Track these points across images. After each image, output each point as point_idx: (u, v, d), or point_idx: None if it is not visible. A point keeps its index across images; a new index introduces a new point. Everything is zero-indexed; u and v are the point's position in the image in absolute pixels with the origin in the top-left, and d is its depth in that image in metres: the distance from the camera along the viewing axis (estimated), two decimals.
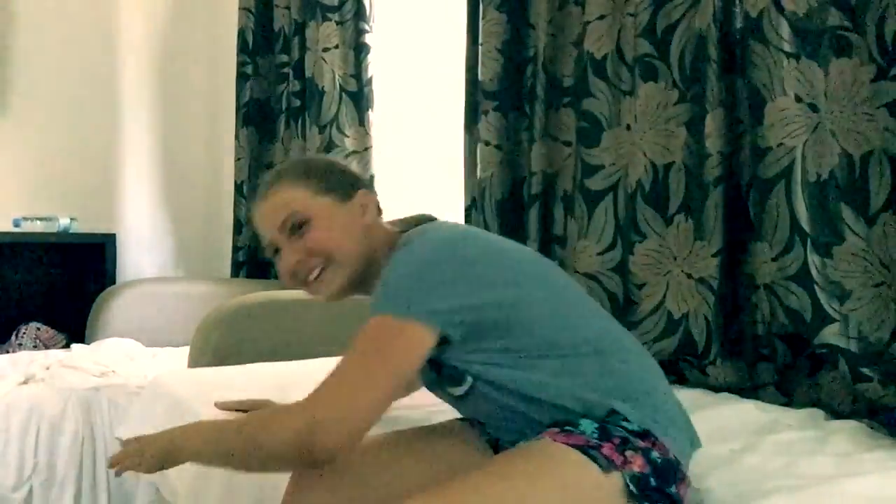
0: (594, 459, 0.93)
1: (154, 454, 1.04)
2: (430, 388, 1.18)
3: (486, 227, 2.21)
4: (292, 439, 0.93)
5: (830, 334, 1.43)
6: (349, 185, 1.16)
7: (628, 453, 0.96)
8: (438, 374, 1.10)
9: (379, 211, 1.19)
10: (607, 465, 0.93)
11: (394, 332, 0.97)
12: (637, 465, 0.95)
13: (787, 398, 1.56)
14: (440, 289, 0.99)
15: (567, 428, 1.00)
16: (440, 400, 1.25)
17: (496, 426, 1.13)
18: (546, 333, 1.04)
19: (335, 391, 0.96)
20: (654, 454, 0.98)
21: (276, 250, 1.15)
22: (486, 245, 1.07)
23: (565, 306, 1.08)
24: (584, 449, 0.95)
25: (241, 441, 0.98)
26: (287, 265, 1.13)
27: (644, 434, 1.01)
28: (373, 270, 1.12)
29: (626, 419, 1.01)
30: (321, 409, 0.94)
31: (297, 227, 1.11)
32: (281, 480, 1.09)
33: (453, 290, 1.00)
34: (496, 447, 1.16)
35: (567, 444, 0.95)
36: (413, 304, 0.97)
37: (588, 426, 1.00)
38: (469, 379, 1.06)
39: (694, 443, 1.09)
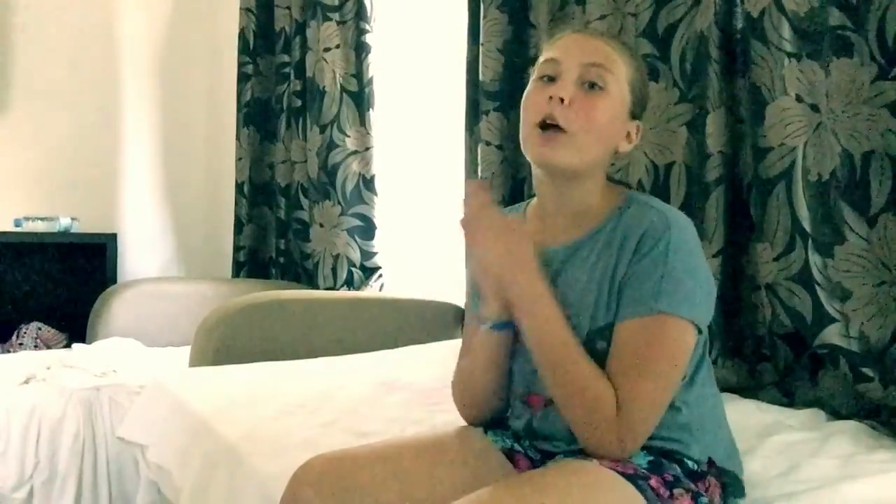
0: (641, 491, 0.92)
1: (500, 269, 1.00)
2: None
3: None
4: (597, 434, 0.96)
5: (831, 334, 1.43)
6: (642, 108, 1.09)
7: (676, 491, 0.95)
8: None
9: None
10: (654, 498, 0.92)
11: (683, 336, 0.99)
12: None
13: (789, 398, 1.56)
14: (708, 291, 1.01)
15: None
16: (439, 399, 1.24)
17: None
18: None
19: (647, 403, 0.97)
20: (704, 499, 0.97)
21: (552, 77, 1.03)
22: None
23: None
24: (633, 479, 0.93)
25: (566, 383, 0.97)
26: (554, 93, 1.01)
27: (699, 475, 1.01)
28: (585, 184, 1.07)
29: (691, 458, 1.01)
30: (633, 426, 0.96)
31: (593, 85, 1.02)
32: (287, 480, 1.08)
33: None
34: (511, 456, 1.11)
35: (615, 470, 0.94)
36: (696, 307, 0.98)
37: (640, 457, 0.99)
38: None
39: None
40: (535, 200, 1.15)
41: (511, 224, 1.04)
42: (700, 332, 1.00)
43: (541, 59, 1.07)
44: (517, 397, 1.14)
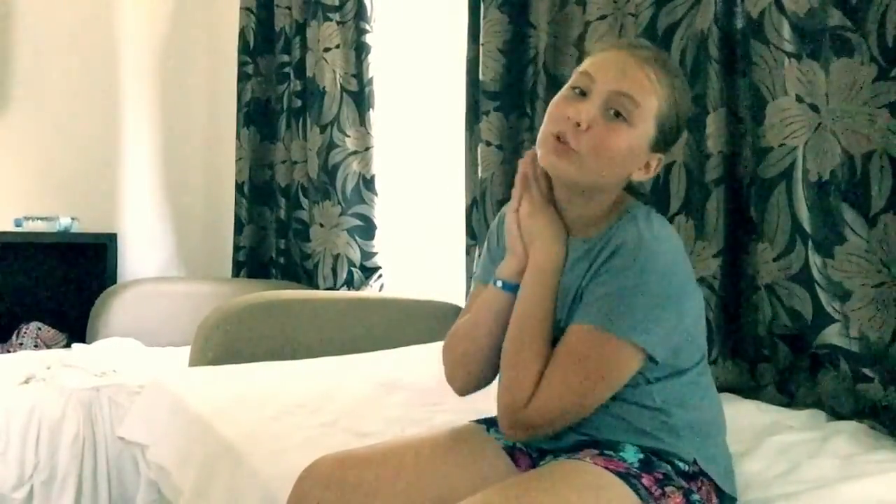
0: (634, 489, 0.93)
1: (535, 232, 1.07)
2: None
3: (487, 228, 2.21)
4: (507, 410, 1.02)
5: (831, 335, 1.43)
6: (669, 142, 1.07)
7: (668, 489, 0.95)
8: None
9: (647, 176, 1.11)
10: (647, 497, 0.93)
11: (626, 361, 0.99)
12: (675, 503, 0.95)
13: (789, 399, 1.56)
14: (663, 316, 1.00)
15: (607, 452, 1.00)
16: (439, 399, 1.24)
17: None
18: (692, 350, 1.06)
19: (563, 407, 1.01)
20: (696, 497, 0.98)
21: (582, 91, 1.03)
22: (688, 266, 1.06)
23: (700, 319, 1.09)
24: (625, 476, 0.94)
25: (514, 353, 1.03)
26: (573, 115, 1.00)
27: (691, 475, 1.01)
28: (593, 198, 1.07)
29: (681, 459, 1.02)
30: (539, 419, 1.00)
31: (617, 114, 1.00)
32: (287, 480, 1.08)
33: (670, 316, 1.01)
34: (511, 453, 1.12)
35: (607, 468, 0.95)
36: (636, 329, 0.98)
37: (631, 454, 1.00)
38: None
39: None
40: None
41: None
42: (652, 358, 0.99)
43: (580, 67, 1.06)
44: None
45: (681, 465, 1.02)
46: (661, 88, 1.02)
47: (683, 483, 0.99)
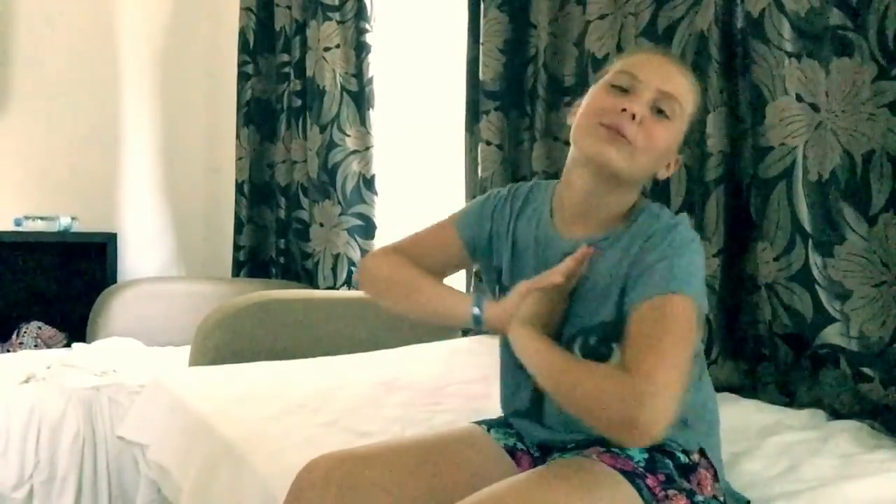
0: (639, 490, 0.93)
1: (510, 322, 1.05)
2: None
3: None
4: (617, 408, 0.87)
5: (832, 334, 1.43)
6: (686, 143, 1.14)
7: (671, 492, 0.95)
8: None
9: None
10: (650, 498, 0.93)
11: (692, 314, 0.96)
12: None
13: (789, 398, 1.56)
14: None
15: (614, 449, 0.99)
16: (439, 399, 1.24)
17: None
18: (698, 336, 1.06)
19: (663, 367, 0.90)
20: (699, 498, 0.98)
21: (625, 89, 1.05)
22: None
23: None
24: (631, 476, 0.94)
25: (565, 382, 0.96)
26: (629, 107, 1.03)
27: (691, 467, 1.01)
28: (620, 193, 1.08)
29: (685, 451, 1.02)
30: (651, 385, 0.88)
31: (661, 111, 1.05)
32: (287, 479, 1.08)
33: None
34: (513, 453, 1.13)
35: (614, 467, 0.95)
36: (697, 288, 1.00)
37: (637, 453, 0.99)
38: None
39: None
40: (558, 188, 1.15)
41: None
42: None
43: (615, 68, 1.09)
44: (513, 368, 1.14)
45: (682, 457, 1.02)
46: (694, 94, 1.09)
47: (686, 484, 0.99)
